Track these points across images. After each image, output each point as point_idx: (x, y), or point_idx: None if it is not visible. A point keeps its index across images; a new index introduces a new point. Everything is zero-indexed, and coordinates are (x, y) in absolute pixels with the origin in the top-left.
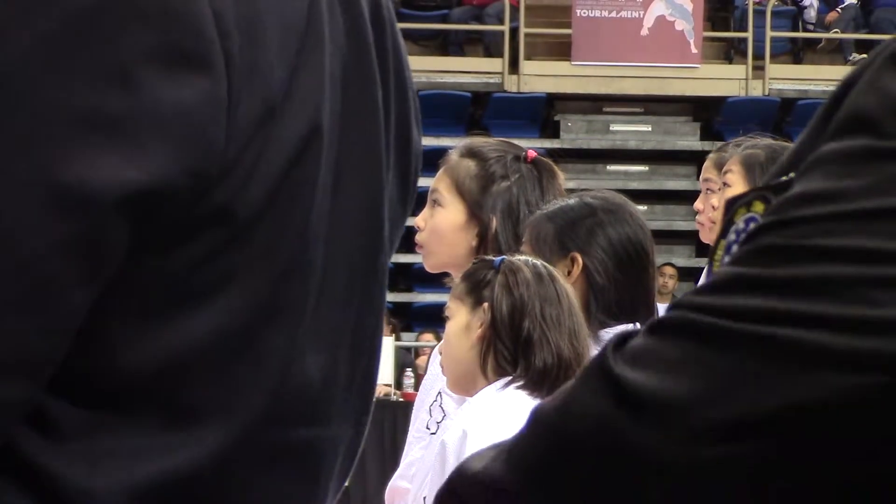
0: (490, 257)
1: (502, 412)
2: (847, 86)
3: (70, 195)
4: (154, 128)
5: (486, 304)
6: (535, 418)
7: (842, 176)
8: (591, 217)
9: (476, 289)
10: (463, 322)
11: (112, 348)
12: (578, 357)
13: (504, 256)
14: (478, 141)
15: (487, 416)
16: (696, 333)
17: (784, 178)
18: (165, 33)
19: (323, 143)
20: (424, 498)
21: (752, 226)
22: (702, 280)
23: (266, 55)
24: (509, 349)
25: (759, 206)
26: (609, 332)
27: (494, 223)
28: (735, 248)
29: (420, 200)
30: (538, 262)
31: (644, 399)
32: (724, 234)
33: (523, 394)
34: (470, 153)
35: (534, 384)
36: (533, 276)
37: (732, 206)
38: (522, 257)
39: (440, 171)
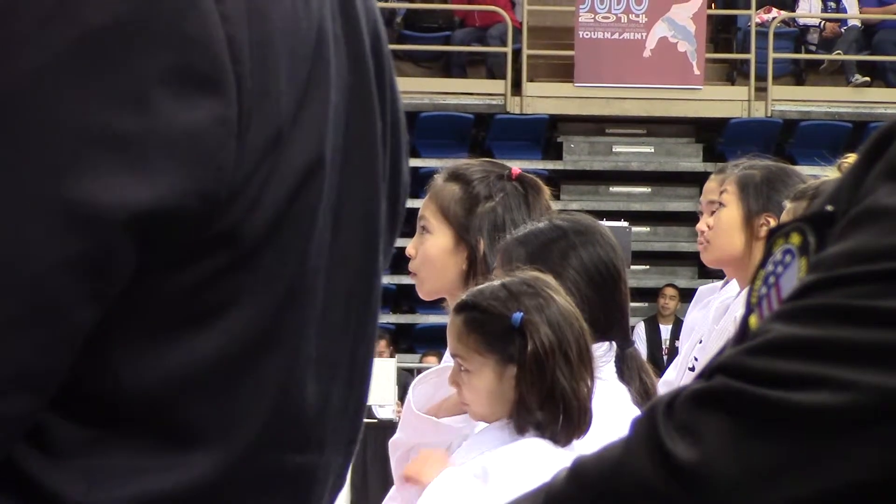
0: (484, 286)
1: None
2: None
3: (78, 213)
4: (165, 149)
5: (517, 370)
6: (578, 479)
7: None
8: (563, 239)
9: (498, 344)
10: (492, 380)
11: (113, 367)
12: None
13: (521, 313)
14: (461, 163)
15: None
16: (746, 407)
17: (824, 210)
18: (179, 56)
19: (325, 173)
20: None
21: (787, 258)
22: (739, 308)
23: (276, 82)
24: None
25: (795, 238)
26: None
27: (482, 245)
28: (772, 279)
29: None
30: (543, 292)
31: (695, 478)
32: (763, 264)
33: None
34: (453, 176)
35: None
36: (551, 328)
37: (772, 236)
38: (533, 283)
39: (426, 198)
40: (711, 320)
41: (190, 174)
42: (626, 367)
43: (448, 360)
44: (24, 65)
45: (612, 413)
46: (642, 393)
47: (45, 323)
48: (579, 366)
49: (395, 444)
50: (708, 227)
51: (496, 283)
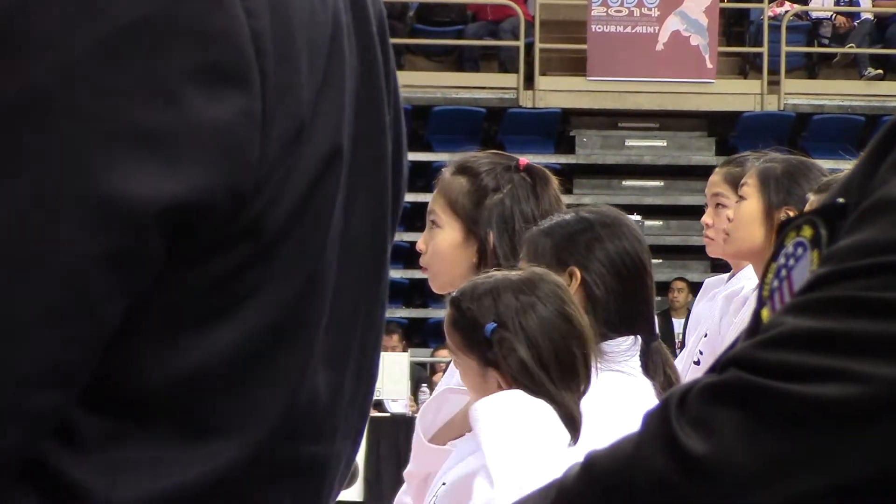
0: (479, 280)
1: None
2: None
3: (109, 208)
4: (194, 143)
5: (499, 377)
6: (591, 474)
7: None
8: (589, 231)
9: (477, 348)
10: (478, 380)
11: (136, 360)
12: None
13: (494, 324)
14: (469, 156)
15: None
16: (759, 400)
17: (836, 202)
18: (206, 51)
19: (342, 164)
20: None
21: (799, 250)
22: (751, 303)
23: (298, 75)
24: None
25: (807, 231)
26: (610, 345)
27: (491, 237)
28: (784, 272)
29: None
30: (519, 294)
31: (708, 471)
32: (774, 257)
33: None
34: (461, 169)
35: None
36: (528, 344)
37: (784, 229)
38: (510, 275)
39: (435, 192)
40: (718, 312)
41: (219, 168)
42: (650, 362)
43: (451, 370)
44: (52, 62)
45: (635, 408)
46: (667, 387)
47: (73, 317)
48: (561, 380)
49: (411, 475)
50: (727, 219)
51: (491, 279)
